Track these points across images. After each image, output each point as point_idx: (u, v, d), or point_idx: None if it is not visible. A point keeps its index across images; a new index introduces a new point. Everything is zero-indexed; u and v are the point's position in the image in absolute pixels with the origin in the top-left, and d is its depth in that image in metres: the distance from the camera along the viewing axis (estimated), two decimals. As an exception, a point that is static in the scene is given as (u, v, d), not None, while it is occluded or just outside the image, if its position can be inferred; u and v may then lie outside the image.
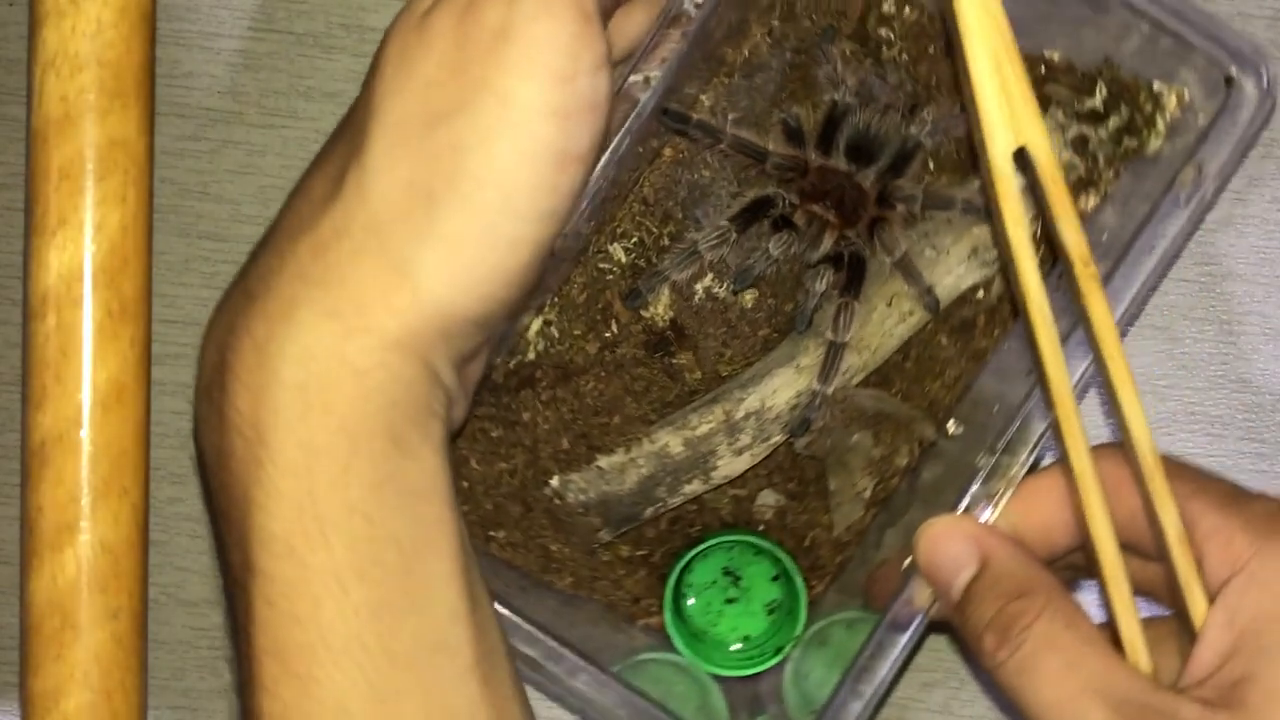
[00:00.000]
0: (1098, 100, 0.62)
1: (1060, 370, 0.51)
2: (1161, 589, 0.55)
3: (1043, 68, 0.63)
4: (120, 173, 0.62)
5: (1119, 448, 0.53)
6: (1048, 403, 0.52)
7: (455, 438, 0.51)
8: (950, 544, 0.55)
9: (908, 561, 0.57)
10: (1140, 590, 0.52)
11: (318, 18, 0.70)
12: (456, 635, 0.46)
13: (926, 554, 0.56)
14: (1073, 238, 0.50)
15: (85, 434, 0.61)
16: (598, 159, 0.49)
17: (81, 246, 0.61)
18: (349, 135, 0.48)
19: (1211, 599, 0.50)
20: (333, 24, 0.70)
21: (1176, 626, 0.53)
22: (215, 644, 0.71)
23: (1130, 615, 0.51)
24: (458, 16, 0.47)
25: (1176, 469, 0.51)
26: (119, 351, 0.62)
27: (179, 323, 0.69)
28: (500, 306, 0.47)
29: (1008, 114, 0.50)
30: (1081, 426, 0.51)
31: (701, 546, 0.64)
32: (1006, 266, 0.56)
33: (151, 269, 0.64)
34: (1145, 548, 0.53)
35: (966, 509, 0.56)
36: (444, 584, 0.47)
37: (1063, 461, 0.53)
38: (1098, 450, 0.52)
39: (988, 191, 0.53)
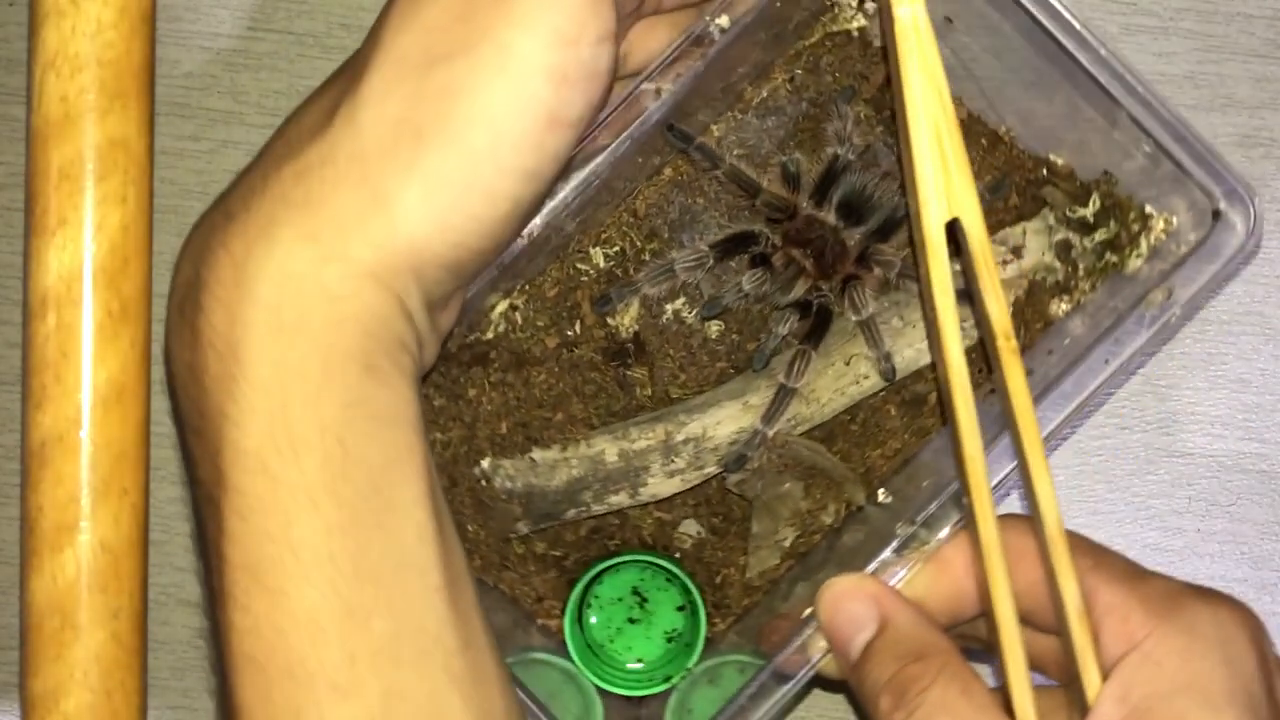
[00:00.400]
0: (1090, 211, 0.63)
1: (973, 434, 0.52)
2: (1051, 662, 0.55)
3: (1045, 170, 0.64)
4: (120, 173, 0.62)
5: (1025, 519, 0.54)
6: (959, 466, 0.53)
7: (424, 378, 0.52)
8: (852, 603, 0.55)
9: (807, 612, 0.58)
10: (1031, 662, 0.52)
11: (318, 18, 0.70)
12: (424, 556, 0.47)
13: (828, 611, 0.56)
14: (996, 311, 0.51)
15: (85, 434, 0.61)
16: (587, 132, 0.50)
17: (81, 246, 0.61)
18: (349, 71, 0.49)
19: (1105, 674, 0.51)
20: (333, 24, 0.70)
21: (1066, 698, 0.54)
22: (215, 644, 0.71)
23: (1024, 683, 0.51)
24: None
25: (1079, 543, 0.52)
26: (119, 351, 0.62)
27: None
28: (471, 256, 0.48)
29: (945, 185, 0.51)
30: (989, 493, 0.52)
31: (615, 560, 0.65)
32: (929, 329, 0.57)
33: (151, 269, 0.64)
34: (1040, 620, 0.54)
35: (874, 572, 0.57)
36: (412, 507, 0.47)
37: (969, 527, 0.53)
38: (1004, 520, 0.52)
39: (918, 259, 0.54)
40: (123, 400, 0.62)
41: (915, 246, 0.54)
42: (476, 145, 0.46)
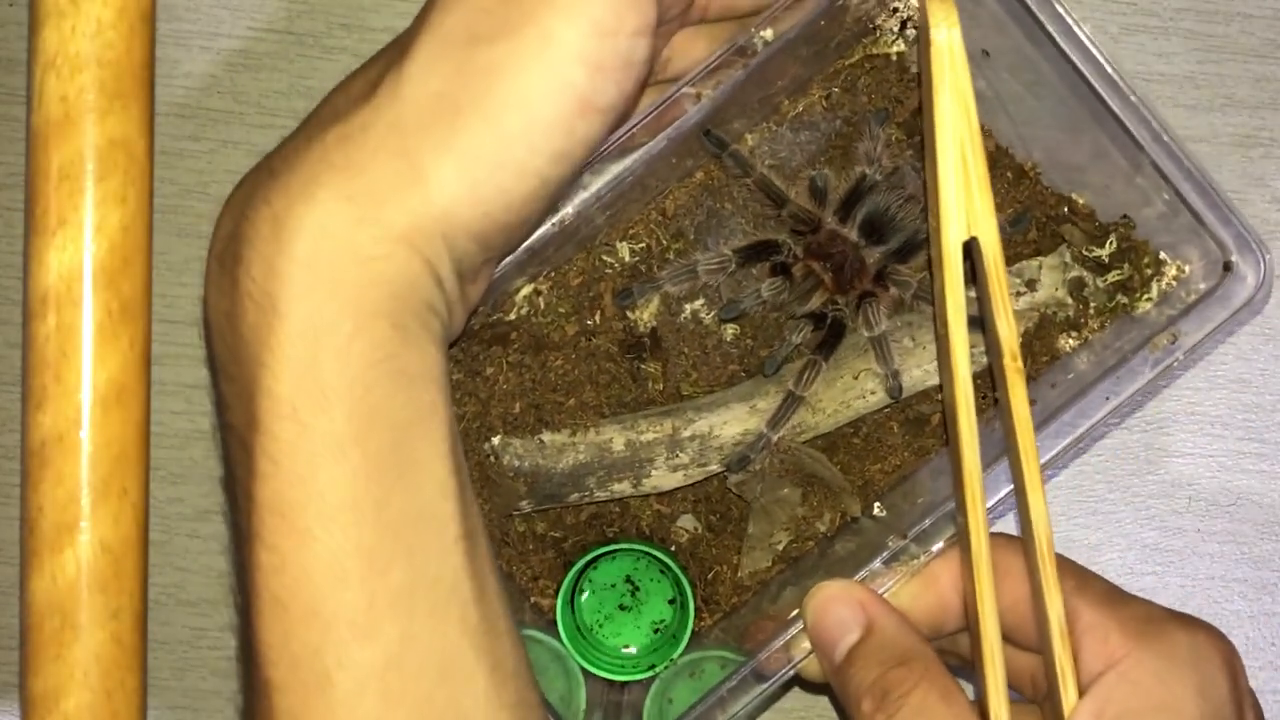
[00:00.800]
0: (1106, 252, 0.64)
1: (973, 447, 0.53)
2: (1026, 680, 0.57)
3: (1066, 207, 0.66)
4: (120, 173, 0.62)
5: (1012, 539, 0.56)
6: (956, 479, 0.55)
7: (452, 345, 0.54)
8: (839, 607, 0.57)
9: (792, 614, 0.59)
10: (1007, 679, 0.54)
11: (318, 18, 0.71)
12: (443, 510, 0.49)
13: (815, 614, 0.58)
14: (1005, 331, 0.53)
15: (85, 434, 0.61)
16: (620, 120, 0.52)
17: (81, 246, 0.61)
18: (397, 45, 0.51)
19: (1082, 691, 0.52)
20: (333, 24, 0.71)
21: (1038, 716, 0.55)
22: (215, 644, 0.71)
23: (1001, 695, 0.53)
24: None
25: (1064, 564, 0.54)
26: (119, 351, 0.62)
27: (179, 323, 0.71)
28: (499, 229, 0.50)
29: (965, 204, 0.53)
30: (983, 506, 0.54)
31: (612, 547, 0.66)
32: (939, 343, 0.59)
33: (151, 269, 0.64)
34: (1019, 638, 0.56)
35: (862, 581, 0.58)
36: (434, 462, 0.49)
37: (960, 540, 0.55)
38: (992, 538, 0.54)
39: (934, 274, 0.56)
40: (123, 400, 0.62)
41: (933, 262, 0.56)
42: (510, 125, 0.48)
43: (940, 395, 0.65)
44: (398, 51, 0.50)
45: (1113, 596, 0.55)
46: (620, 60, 0.49)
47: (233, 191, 0.52)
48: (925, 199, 0.64)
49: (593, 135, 0.50)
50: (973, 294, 0.64)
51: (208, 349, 0.51)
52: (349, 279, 0.48)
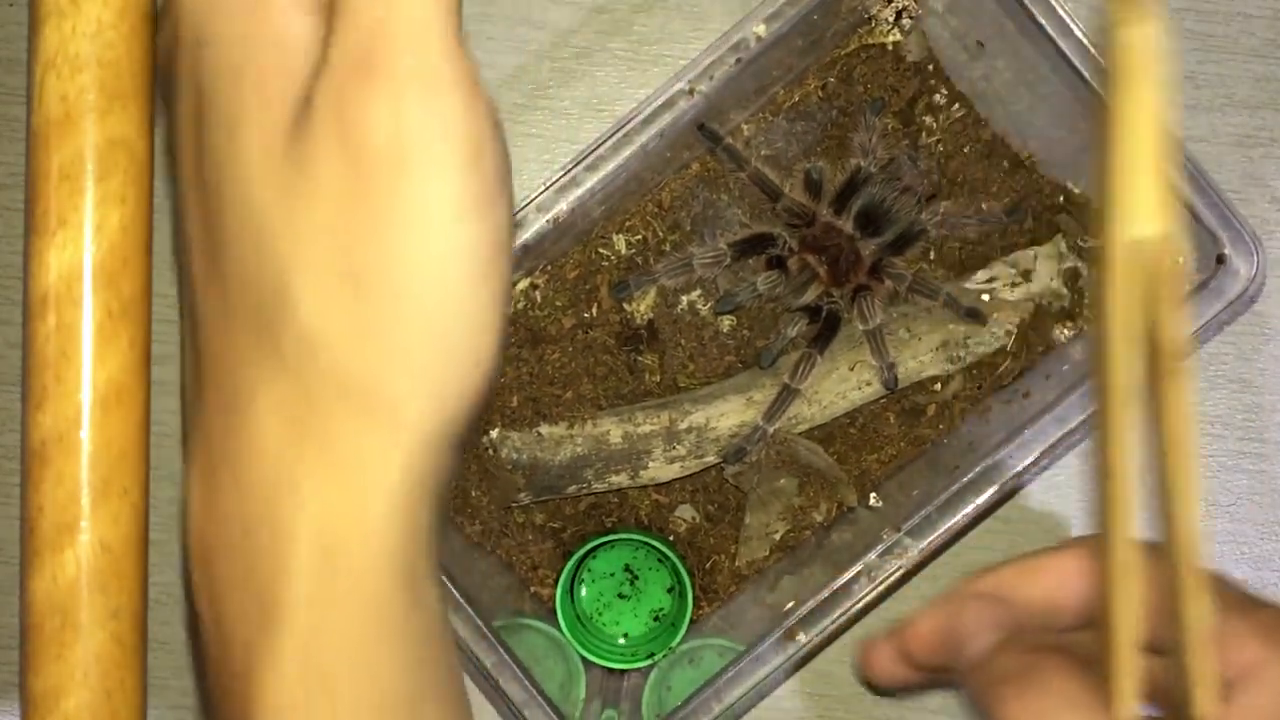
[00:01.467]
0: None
1: (1124, 454, 0.53)
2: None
3: (1062, 197, 0.66)
4: (120, 173, 0.61)
5: (1093, 539, 0.55)
6: (1099, 486, 0.54)
7: None
8: (974, 603, 0.55)
9: (789, 604, 0.60)
10: None
11: None
12: None
13: (949, 612, 0.56)
14: (1176, 330, 0.52)
15: (85, 434, 0.61)
16: (510, 191, 0.46)
17: (81, 246, 0.61)
18: (254, 299, 0.45)
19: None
20: None
21: None
22: (215, 644, 0.72)
23: (1131, 702, 0.52)
24: (338, 140, 0.42)
25: None
26: (119, 351, 0.62)
27: (179, 323, 0.71)
28: (480, 399, 0.46)
29: (1150, 201, 0.52)
30: (1133, 511, 0.53)
31: (611, 537, 0.67)
32: (1096, 345, 0.59)
33: (151, 269, 0.63)
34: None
35: (859, 574, 0.59)
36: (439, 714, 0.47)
37: (1098, 540, 0.54)
38: (1079, 539, 0.54)
39: (1102, 277, 0.55)
40: (123, 400, 0.62)
41: (1101, 264, 0.55)
42: (441, 323, 0.44)
43: (935, 386, 0.66)
44: (269, 309, 0.44)
45: (1244, 602, 0.53)
46: (492, 166, 0.43)
47: (191, 491, 0.47)
48: (919, 192, 0.64)
49: (505, 241, 0.44)
50: (971, 285, 0.64)
51: (190, 640, 0.49)
52: (357, 559, 0.45)
